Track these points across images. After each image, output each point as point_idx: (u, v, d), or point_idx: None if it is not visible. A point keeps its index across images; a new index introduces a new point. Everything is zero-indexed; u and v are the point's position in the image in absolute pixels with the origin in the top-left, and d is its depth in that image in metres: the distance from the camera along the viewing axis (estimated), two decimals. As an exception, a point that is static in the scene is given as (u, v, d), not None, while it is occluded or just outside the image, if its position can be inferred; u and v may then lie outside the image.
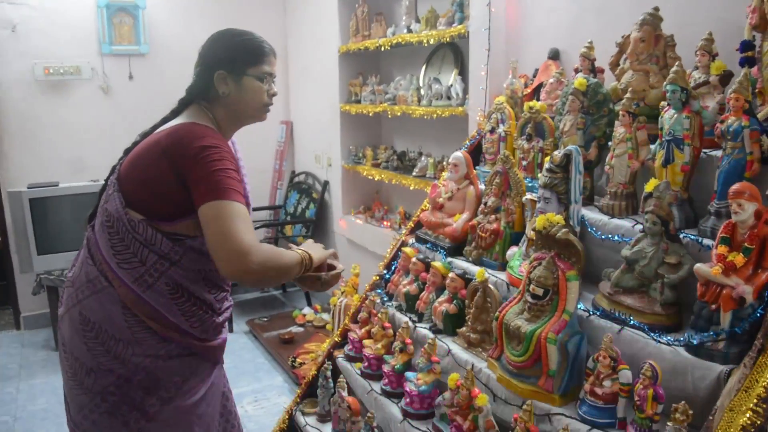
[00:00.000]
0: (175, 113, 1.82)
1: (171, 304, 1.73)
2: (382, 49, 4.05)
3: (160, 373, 1.74)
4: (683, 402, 1.55)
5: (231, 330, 4.96)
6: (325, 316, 4.77)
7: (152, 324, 1.71)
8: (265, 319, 4.99)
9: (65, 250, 4.49)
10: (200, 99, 1.82)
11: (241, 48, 1.80)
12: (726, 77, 2.02)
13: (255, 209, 5.52)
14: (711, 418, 1.49)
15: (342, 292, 3.81)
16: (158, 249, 1.68)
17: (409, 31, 3.84)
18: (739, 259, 1.58)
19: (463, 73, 3.61)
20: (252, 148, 5.70)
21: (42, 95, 4.89)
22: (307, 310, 4.98)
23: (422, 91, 3.90)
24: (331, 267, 1.91)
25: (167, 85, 5.09)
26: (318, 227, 5.23)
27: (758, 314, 1.56)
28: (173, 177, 1.64)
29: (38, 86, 4.85)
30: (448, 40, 3.51)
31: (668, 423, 1.55)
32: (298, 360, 4.09)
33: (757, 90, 1.90)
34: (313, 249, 1.85)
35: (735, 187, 1.60)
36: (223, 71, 1.77)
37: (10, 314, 5.24)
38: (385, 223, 4.44)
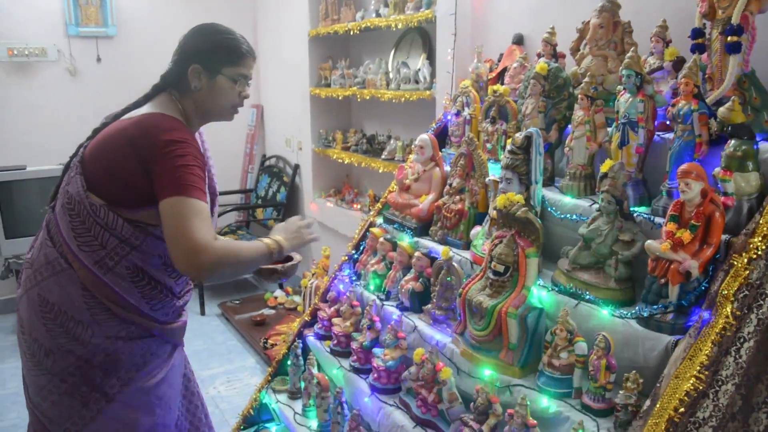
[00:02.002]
0: (146, 98, 1.82)
1: (131, 288, 1.74)
2: (352, 33, 4.09)
3: (120, 355, 1.75)
4: (634, 371, 1.65)
5: (203, 313, 5.00)
6: (297, 299, 4.82)
7: (112, 306, 1.73)
8: (237, 302, 5.03)
9: (33, 234, 4.43)
10: (172, 88, 1.82)
11: (221, 46, 1.78)
12: (679, 63, 2.10)
13: (226, 193, 5.56)
14: (658, 385, 1.58)
15: (313, 274, 3.87)
16: (119, 234, 1.69)
17: (378, 15, 3.87)
18: (686, 235, 1.66)
19: (431, 57, 3.66)
20: (222, 132, 5.67)
21: (6, 77, 4.83)
22: (278, 292, 5.02)
23: (391, 75, 3.95)
24: (288, 258, 1.94)
25: (135, 68, 5.06)
26: (289, 210, 5.26)
27: (703, 287, 1.66)
28: (138, 167, 1.65)
29: (2, 68, 4.79)
30: (416, 24, 3.56)
31: (620, 391, 1.65)
32: (269, 341, 4.14)
33: (706, 75, 1.98)
34: (285, 233, 1.87)
35: (683, 167, 1.69)
36: (199, 65, 1.77)
37: (-22, 299, 5.20)
38: (354, 205, 4.50)
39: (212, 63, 1.77)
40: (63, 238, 1.72)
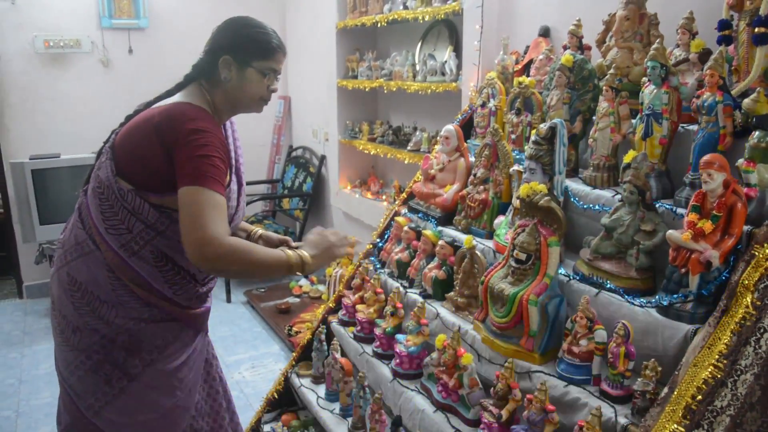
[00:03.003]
0: (178, 87, 1.87)
1: (155, 272, 1.79)
2: (379, 25, 4.12)
3: (142, 336, 1.82)
4: (653, 359, 1.66)
5: (229, 300, 5.08)
6: (321, 288, 4.88)
7: (136, 289, 1.78)
8: (263, 290, 5.10)
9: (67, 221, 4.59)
10: (203, 78, 1.85)
11: (253, 39, 1.82)
12: (705, 55, 2.10)
13: (253, 183, 5.63)
14: (677, 373, 1.60)
15: (337, 263, 3.92)
16: (145, 218, 1.74)
17: (405, 7, 3.90)
18: (707, 225, 1.68)
19: (458, 49, 3.68)
20: (250, 123, 5.74)
21: (42, 68, 4.95)
22: (303, 281, 5.08)
23: (417, 67, 3.98)
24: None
25: (166, 59, 5.15)
26: (315, 201, 5.33)
27: (723, 277, 1.66)
28: (162, 153, 1.69)
29: (39, 59, 4.91)
30: (443, 16, 3.57)
31: (638, 379, 1.67)
32: (294, 329, 4.20)
33: (733, 67, 1.99)
34: (315, 249, 1.83)
35: (705, 158, 1.70)
36: (229, 57, 1.80)
37: (12, 284, 5.34)
38: (380, 196, 4.54)
39: (243, 55, 1.80)
40: (92, 221, 1.78)
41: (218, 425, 2.11)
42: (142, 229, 1.75)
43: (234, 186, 1.88)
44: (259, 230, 2.15)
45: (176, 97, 1.82)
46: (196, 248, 1.59)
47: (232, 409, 2.20)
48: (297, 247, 1.84)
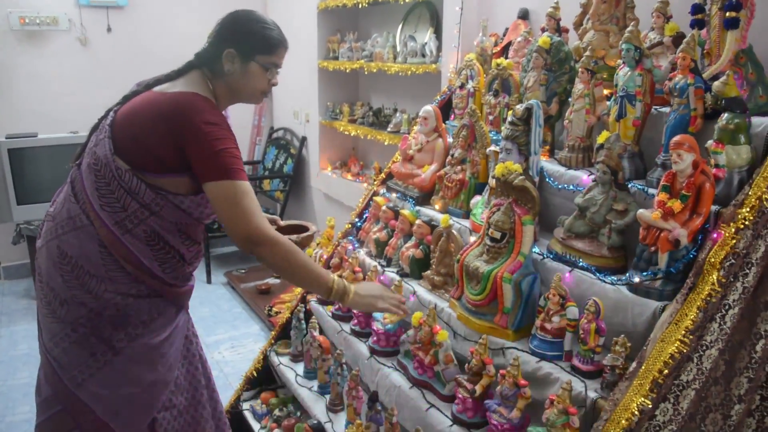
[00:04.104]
0: (179, 73, 1.90)
1: (147, 250, 1.83)
2: (360, 6, 4.11)
3: (129, 311, 1.84)
4: (623, 335, 1.71)
5: (209, 281, 5.09)
6: (301, 269, 4.89)
7: (126, 265, 1.82)
8: (243, 271, 5.12)
9: (45, 201, 4.50)
10: (205, 67, 1.89)
11: (257, 34, 1.87)
12: (679, 38, 2.12)
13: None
14: (645, 348, 1.64)
15: (317, 244, 3.94)
16: (141, 198, 1.77)
17: (387, -12, 3.90)
18: (676, 205, 1.71)
19: (438, 31, 3.69)
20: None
21: (18, 45, 4.87)
22: (283, 262, 5.09)
23: (398, 49, 3.99)
24: (305, 228, 2.14)
25: (145, 39, 5.10)
26: (295, 182, 5.33)
27: (691, 255, 1.71)
28: (170, 143, 1.73)
29: (14, 36, 4.84)
30: (423, -2, 3.58)
31: (608, 354, 1.71)
32: (274, 309, 4.23)
33: (705, 51, 2.02)
34: (364, 289, 1.98)
35: (675, 138, 1.73)
36: (233, 50, 1.84)
37: (-11, 263, 5.31)
38: (360, 177, 4.55)
39: (247, 49, 1.85)
40: (87, 196, 1.80)
41: (196, 401, 2.13)
42: (137, 209, 1.78)
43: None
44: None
45: (180, 85, 1.84)
46: (245, 240, 1.72)
47: (212, 387, 2.22)
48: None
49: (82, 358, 1.83)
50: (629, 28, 2.03)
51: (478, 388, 1.92)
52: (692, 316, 1.57)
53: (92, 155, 1.82)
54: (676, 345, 1.55)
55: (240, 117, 5.86)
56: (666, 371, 1.53)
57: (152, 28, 5.15)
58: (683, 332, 1.56)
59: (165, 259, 1.87)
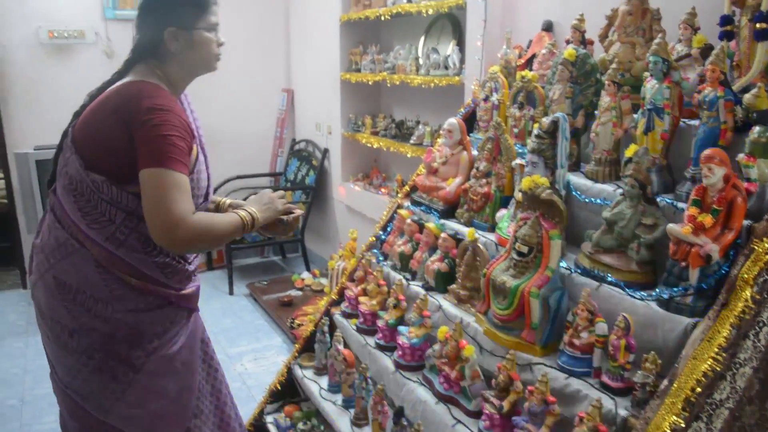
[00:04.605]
0: (120, 75, 1.82)
1: (145, 258, 1.76)
2: (383, 18, 4.12)
3: (141, 326, 1.79)
4: (653, 352, 1.68)
5: (231, 292, 5.11)
6: (323, 281, 4.90)
7: (129, 279, 1.75)
8: (265, 283, 5.13)
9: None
10: (149, 57, 1.81)
11: (189, 1, 1.79)
12: (706, 50, 2.11)
13: (256, 176, 5.67)
14: (676, 365, 1.61)
15: (340, 256, 3.95)
16: (125, 206, 1.72)
17: (409, 1, 3.90)
18: (707, 219, 1.69)
19: (461, 43, 3.69)
20: (253, 116, 5.81)
21: (47, 58, 4.96)
22: (305, 274, 5.11)
23: (421, 61, 3.99)
24: (289, 211, 2.01)
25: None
26: (317, 194, 5.34)
27: (723, 271, 1.68)
28: (125, 136, 1.66)
29: (43, 49, 4.92)
30: (446, 10, 3.58)
31: (638, 371, 1.68)
32: (296, 321, 4.23)
33: (734, 63, 2.00)
34: (258, 205, 1.91)
35: (706, 152, 1.71)
36: (174, 27, 1.76)
37: (16, 274, 5.37)
38: (382, 189, 4.56)
39: (186, 20, 1.78)
40: (71, 220, 1.73)
41: (222, 402, 2.14)
42: (125, 218, 1.73)
43: (201, 158, 1.87)
44: (227, 200, 2.14)
45: (129, 78, 1.78)
46: (163, 232, 1.61)
47: (227, 385, 2.22)
48: (241, 206, 1.90)
49: (105, 383, 1.79)
50: (656, 41, 2.02)
51: (506, 405, 1.90)
52: (725, 333, 1.54)
53: (65, 176, 1.75)
54: (708, 363, 1.52)
55: (262, 128, 5.90)
56: (699, 389, 1.50)
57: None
58: (716, 350, 1.53)
59: (165, 263, 1.81)
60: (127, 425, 1.82)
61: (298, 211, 2.02)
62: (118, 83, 1.77)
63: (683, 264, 1.74)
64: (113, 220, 1.72)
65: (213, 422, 2.08)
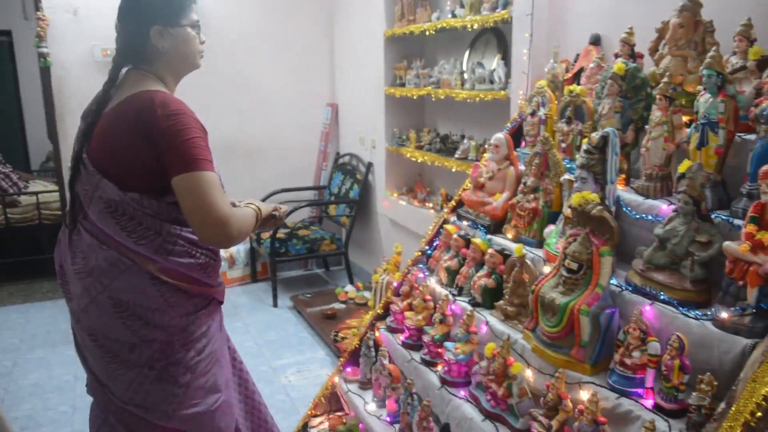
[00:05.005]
0: (112, 82, 1.83)
1: (191, 262, 1.82)
2: (427, 33, 4.14)
3: (192, 327, 1.86)
4: (708, 373, 1.63)
5: (275, 305, 5.15)
6: (367, 294, 4.91)
7: (180, 285, 1.81)
8: (309, 296, 5.16)
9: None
10: (136, 61, 1.83)
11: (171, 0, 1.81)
12: (763, 62, 2.06)
13: (300, 189, 5.73)
14: (734, 388, 1.57)
15: (384, 270, 3.95)
16: (167, 216, 1.78)
17: (454, 16, 3.91)
18: (766, 237, 1.64)
19: (506, 57, 3.68)
20: (298, 130, 5.87)
21: (100, 76, 5.02)
22: (349, 287, 5.12)
23: (465, 75, 3.98)
24: (278, 208, 2.11)
25: (218, 67, 5.26)
26: (361, 207, 5.37)
27: (784, 291, 1.63)
28: (150, 150, 1.69)
29: (96, 67, 5.06)
30: (491, 25, 3.58)
31: (693, 393, 1.64)
32: (340, 335, 4.24)
33: (793, 75, 1.95)
34: (258, 201, 2.02)
35: (765, 168, 1.66)
36: (159, 26, 1.78)
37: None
38: (426, 204, 4.55)
39: (171, 18, 1.80)
40: (116, 241, 1.76)
41: (250, 391, 2.23)
42: (170, 227, 1.78)
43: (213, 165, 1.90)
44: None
45: (135, 85, 1.78)
46: (215, 231, 1.68)
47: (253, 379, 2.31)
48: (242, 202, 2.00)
49: (167, 389, 1.83)
50: (710, 53, 1.98)
51: (555, 424, 1.87)
52: (787, 356, 1.49)
53: (99, 201, 1.77)
54: (769, 386, 1.47)
55: (307, 142, 5.96)
56: (759, 414, 1.44)
57: (225, 57, 5.31)
58: (777, 372, 1.48)
59: (206, 263, 1.87)
60: (189, 425, 1.87)
61: (285, 208, 2.12)
62: (125, 97, 1.76)
63: (740, 283, 1.69)
64: (159, 232, 1.77)
65: (244, 409, 2.18)
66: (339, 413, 2.98)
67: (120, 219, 1.75)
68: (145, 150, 1.70)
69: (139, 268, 1.76)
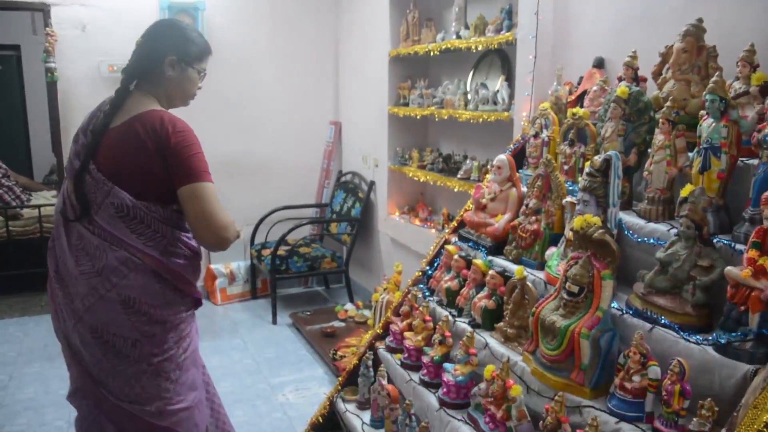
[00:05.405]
0: (123, 96, 2.00)
1: (187, 264, 2.04)
2: (432, 54, 4.16)
3: (183, 325, 2.05)
4: (709, 399, 1.62)
5: (275, 322, 5.13)
6: (367, 313, 4.89)
7: (178, 283, 2.01)
8: (308, 313, 5.14)
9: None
10: (142, 79, 2.03)
11: (196, 43, 2.06)
12: (766, 88, 2.07)
13: (302, 206, 5.73)
14: (735, 414, 1.55)
15: (384, 289, 3.93)
16: (173, 222, 1.98)
17: (458, 37, 3.93)
18: (768, 263, 1.64)
19: (510, 79, 3.69)
20: (301, 147, 5.89)
21: (106, 91, 5.00)
22: (349, 306, 5.10)
23: (469, 96, 4.00)
24: None
25: (223, 84, 5.29)
26: (363, 226, 5.36)
27: (786, 316, 1.62)
28: (161, 162, 1.90)
29: (103, 83, 5.08)
30: (495, 46, 3.59)
31: (694, 419, 1.62)
32: (339, 353, 4.21)
33: (796, 101, 1.95)
34: None
35: (767, 193, 1.66)
36: (175, 57, 2.01)
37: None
38: (428, 223, 4.55)
39: (186, 57, 2.04)
40: (125, 242, 1.92)
41: (211, 394, 2.33)
42: (172, 231, 1.98)
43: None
44: None
45: (140, 106, 1.96)
46: (216, 238, 1.92)
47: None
48: None
49: (161, 385, 1.99)
50: (714, 79, 1.99)
51: (554, 448, 1.85)
52: (788, 383, 1.47)
53: (109, 207, 1.92)
54: (770, 413, 1.45)
55: (309, 160, 5.97)
56: (760, 440, 1.44)
57: (230, 74, 5.33)
58: (778, 399, 1.46)
59: (196, 265, 2.10)
60: (175, 421, 2.02)
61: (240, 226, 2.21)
62: (133, 115, 1.94)
63: (742, 308, 1.69)
64: (165, 235, 1.97)
65: (209, 412, 2.30)
66: (336, 433, 2.96)
67: (130, 223, 1.92)
68: (155, 162, 1.89)
69: (146, 267, 1.94)
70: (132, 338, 1.93)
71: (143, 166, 1.90)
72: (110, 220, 1.92)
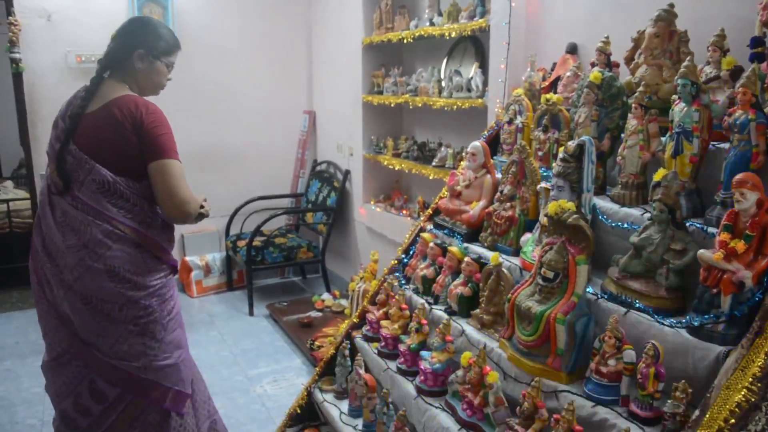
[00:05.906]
0: (97, 83, 2.17)
1: (162, 233, 2.23)
2: (405, 41, 4.14)
3: (164, 290, 2.23)
4: (683, 381, 1.63)
5: (251, 313, 5.10)
6: (344, 302, 4.87)
7: (157, 252, 2.20)
8: (285, 304, 5.11)
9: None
10: (114, 70, 2.21)
11: (164, 38, 2.25)
12: (736, 72, 2.08)
13: (277, 196, 5.68)
14: (708, 395, 1.57)
15: (361, 278, 3.92)
16: (149, 196, 2.15)
17: (432, 24, 3.92)
18: (740, 245, 1.65)
19: (484, 65, 3.69)
20: (275, 137, 5.83)
21: (74, 82, 5.01)
22: (326, 295, 5.09)
23: (443, 83, 3.99)
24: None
25: (194, 73, 5.21)
26: (338, 215, 5.34)
27: (757, 298, 1.64)
28: (136, 142, 2.08)
29: (70, 73, 4.98)
30: (469, 33, 3.58)
31: (668, 401, 1.64)
32: (316, 343, 4.20)
33: (765, 85, 1.96)
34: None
35: (738, 176, 1.68)
36: (143, 51, 2.20)
37: (39, 293, 5.40)
38: (404, 211, 4.54)
39: (156, 50, 2.22)
40: (107, 216, 2.10)
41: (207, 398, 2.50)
42: (149, 204, 2.17)
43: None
44: None
45: (110, 94, 2.14)
46: (180, 211, 2.12)
47: None
48: None
49: (147, 344, 2.16)
50: (685, 63, 1.99)
51: (531, 433, 1.86)
52: (760, 363, 1.49)
53: (91, 183, 2.09)
54: (742, 393, 1.47)
55: (284, 150, 5.91)
56: (732, 420, 1.45)
57: (201, 63, 5.26)
58: (750, 379, 1.48)
59: (170, 236, 2.29)
60: (161, 375, 2.20)
61: (209, 206, 2.34)
62: (109, 100, 2.12)
63: (714, 291, 1.70)
64: (143, 208, 2.15)
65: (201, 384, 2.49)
66: (315, 423, 2.94)
67: (111, 197, 2.10)
68: (131, 141, 2.08)
69: (128, 238, 2.12)
70: (119, 303, 2.10)
71: (121, 145, 2.07)
72: (93, 196, 2.08)
